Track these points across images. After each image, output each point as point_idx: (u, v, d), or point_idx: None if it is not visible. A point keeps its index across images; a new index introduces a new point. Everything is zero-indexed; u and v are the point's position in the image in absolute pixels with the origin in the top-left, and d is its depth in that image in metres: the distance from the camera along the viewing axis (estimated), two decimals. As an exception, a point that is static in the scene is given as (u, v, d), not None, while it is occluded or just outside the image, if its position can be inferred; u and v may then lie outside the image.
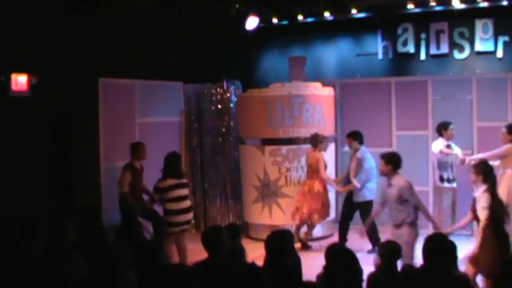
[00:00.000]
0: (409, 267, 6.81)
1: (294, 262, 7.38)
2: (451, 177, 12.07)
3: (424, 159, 13.83)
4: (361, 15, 14.55)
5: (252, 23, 14.32)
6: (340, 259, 6.54)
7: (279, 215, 13.31)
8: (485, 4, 13.62)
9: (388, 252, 7.07)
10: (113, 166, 12.44)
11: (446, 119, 12.72)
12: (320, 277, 6.65)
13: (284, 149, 13.31)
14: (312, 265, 7.08)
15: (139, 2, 12.67)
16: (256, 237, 13.03)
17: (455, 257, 6.44)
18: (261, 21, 14.57)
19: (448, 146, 12.07)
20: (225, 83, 14.41)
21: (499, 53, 13.95)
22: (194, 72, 14.23)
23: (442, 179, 12.14)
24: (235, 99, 14.34)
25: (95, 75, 12.34)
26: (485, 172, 9.04)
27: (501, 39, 13.90)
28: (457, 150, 12.11)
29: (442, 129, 12.14)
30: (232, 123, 14.37)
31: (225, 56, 14.80)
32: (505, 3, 13.46)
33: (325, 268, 6.57)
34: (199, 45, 14.28)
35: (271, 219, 13.33)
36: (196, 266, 6.73)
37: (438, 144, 12.18)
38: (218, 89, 14.40)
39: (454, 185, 12.12)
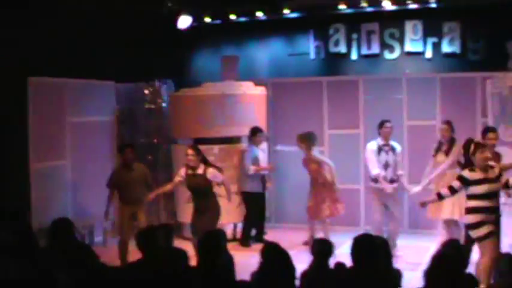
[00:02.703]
0: (341, 266, 6.86)
1: (227, 261, 7.39)
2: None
3: (355, 158, 13.99)
4: (294, 15, 14.65)
5: (184, 22, 14.30)
6: (274, 257, 6.57)
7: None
8: (415, 6, 13.85)
9: (320, 250, 7.12)
10: (43, 167, 12.28)
11: (377, 118, 12.86)
12: (254, 275, 6.68)
13: (216, 148, 13.31)
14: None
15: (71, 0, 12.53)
16: (190, 237, 12.98)
17: (387, 255, 6.53)
18: (193, 21, 14.55)
19: (385, 146, 11.97)
20: (157, 83, 14.34)
21: (428, 54, 14.23)
22: (127, 71, 14.10)
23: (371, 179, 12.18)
24: (168, 98, 14.28)
25: (25, 74, 12.14)
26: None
27: (430, 40, 14.18)
28: (396, 146, 12.04)
29: (378, 128, 12.12)
30: (164, 123, 14.31)
31: (158, 55, 14.72)
32: (433, 5, 13.70)
33: (260, 266, 6.59)
34: (132, 44, 14.16)
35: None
36: (130, 266, 6.69)
37: (371, 145, 12.11)
38: (150, 89, 14.33)
39: (389, 184, 11.95)
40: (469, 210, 9.26)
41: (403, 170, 12.11)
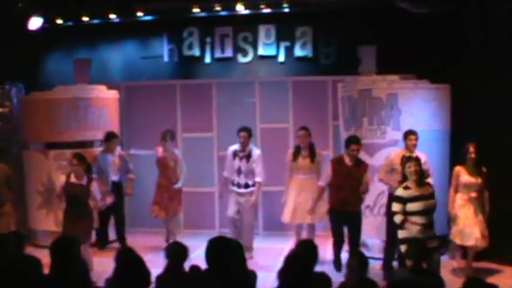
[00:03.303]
0: (196, 269, 6.87)
1: (81, 268, 7.26)
2: (235, 182, 12.03)
3: (209, 161, 14.08)
4: (147, 18, 14.53)
5: (35, 23, 13.94)
6: (127, 262, 6.52)
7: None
8: (268, 10, 14.04)
9: (174, 253, 7.11)
10: None
11: (230, 121, 13.03)
12: (108, 281, 6.60)
13: (69, 153, 13.05)
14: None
15: None
16: (42, 245, 12.64)
17: (242, 257, 6.58)
18: (45, 22, 14.20)
19: (241, 152, 11.94)
20: (6, 85, 13.94)
21: (281, 58, 14.47)
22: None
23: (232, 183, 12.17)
24: (17, 102, 13.91)
25: None
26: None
27: (283, 45, 14.42)
28: (254, 153, 11.93)
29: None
30: (15, 127, 13.91)
31: (8, 57, 14.27)
32: (286, 10, 13.93)
33: (113, 272, 6.52)
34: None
35: (57, 225, 13.01)
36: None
37: (230, 149, 12.13)
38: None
39: (241, 190, 11.97)
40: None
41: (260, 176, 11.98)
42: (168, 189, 12.67)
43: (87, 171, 10.71)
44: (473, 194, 10.43)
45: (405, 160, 9.63)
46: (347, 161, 10.75)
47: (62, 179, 10.84)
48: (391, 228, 9.96)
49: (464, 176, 10.45)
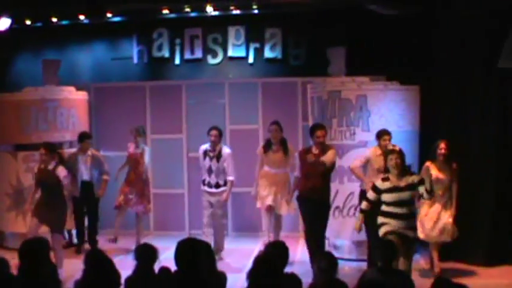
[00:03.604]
0: (165, 270, 6.86)
1: (50, 271, 7.23)
2: (206, 181, 12.03)
3: (179, 162, 14.06)
4: (117, 19, 14.48)
5: (3, 23, 13.82)
6: (96, 264, 6.51)
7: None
8: (237, 12, 14.05)
9: (144, 255, 7.09)
10: None
11: (200, 122, 13.02)
12: (78, 283, 6.58)
13: (38, 154, 12.97)
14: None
15: None
16: (11, 247, 12.56)
17: (211, 258, 6.58)
18: (13, 23, 14.09)
19: (211, 151, 11.94)
20: (-26, 87, 13.85)
21: (251, 59, 14.50)
22: None
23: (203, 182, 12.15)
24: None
25: None
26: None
27: (252, 46, 14.46)
28: (224, 152, 11.93)
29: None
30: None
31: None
32: (256, 11, 13.96)
33: (82, 274, 6.50)
34: None
35: (25, 227, 12.92)
36: None
37: (202, 147, 12.09)
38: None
39: (212, 189, 11.94)
40: (380, 213, 9.43)
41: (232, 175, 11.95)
42: (136, 184, 12.61)
43: (55, 159, 10.85)
44: (440, 192, 10.50)
45: (388, 152, 9.74)
46: (313, 149, 10.60)
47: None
48: (370, 227, 10.03)
49: (433, 171, 10.53)
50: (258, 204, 11.93)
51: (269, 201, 11.68)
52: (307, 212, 10.70)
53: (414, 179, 9.42)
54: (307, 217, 10.73)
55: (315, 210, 10.60)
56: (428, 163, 10.65)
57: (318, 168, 10.48)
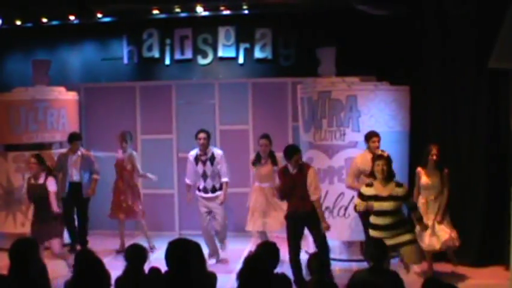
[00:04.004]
0: (155, 271, 6.85)
1: (39, 270, 7.22)
2: (201, 187, 11.93)
3: (169, 163, 14.06)
4: (107, 19, 14.47)
5: (-7, 24, 13.82)
6: (86, 265, 6.50)
7: (24, 223, 12.92)
8: (227, 12, 14.05)
9: (134, 255, 7.08)
10: None
11: (190, 123, 13.02)
12: (68, 283, 6.57)
13: (28, 154, 12.96)
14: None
15: None
16: (1, 247, 12.54)
17: (201, 259, 6.57)
18: (3, 23, 14.07)
19: (202, 156, 11.90)
20: (-36, 87, 13.82)
21: (241, 59, 14.50)
22: None
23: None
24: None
25: None
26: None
27: (242, 46, 14.46)
28: (216, 155, 11.80)
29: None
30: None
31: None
32: (246, 11, 13.96)
33: (73, 274, 6.50)
34: None
35: (15, 227, 12.92)
36: None
37: (191, 153, 12.02)
38: (-43, 93, 13.78)
39: (209, 194, 11.83)
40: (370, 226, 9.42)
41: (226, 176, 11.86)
42: (125, 191, 12.63)
43: (45, 171, 10.66)
44: (432, 197, 10.45)
45: (376, 157, 9.63)
46: (291, 169, 10.27)
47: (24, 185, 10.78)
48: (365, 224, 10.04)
49: (423, 177, 10.51)
50: (249, 227, 11.84)
51: (259, 227, 11.65)
52: (297, 230, 10.43)
53: (398, 191, 9.22)
54: (295, 235, 10.42)
55: (308, 223, 10.34)
56: (419, 169, 10.60)
57: (298, 189, 10.19)
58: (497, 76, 10.99)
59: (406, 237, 9.24)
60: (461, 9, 11.29)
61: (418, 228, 10.01)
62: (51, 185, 10.57)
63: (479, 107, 11.39)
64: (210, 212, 11.89)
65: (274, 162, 11.60)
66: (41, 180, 10.57)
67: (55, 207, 10.52)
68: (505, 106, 11.02)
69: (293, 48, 14.38)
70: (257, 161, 11.72)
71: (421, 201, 10.47)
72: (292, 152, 10.31)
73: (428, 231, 10.27)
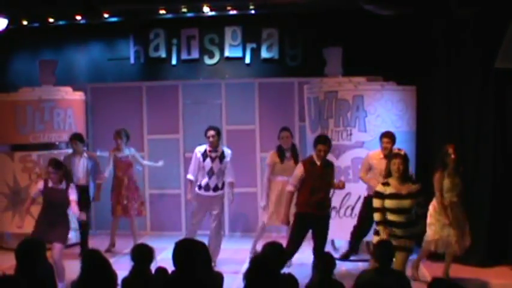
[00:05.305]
0: (162, 271, 6.86)
1: (46, 270, 7.23)
2: (203, 184, 11.80)
3: (175, 162, 14.07)
4: (114, 19, 14.46)
5: (0, 24, 13.82)
6: (93, 265, 6.51)
7: (31, 223, 12.90)
8: (234, 12, 14.04)
9: (140, 255, 7.08)
10: None
11: (196, 123, 13.03)
12: (75, 283, 6.58)
13: (35, 154, 13.02)
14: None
15: None
16: (7, 247, 12.56)
17: (207, 259, 6.58)
18: (10, 23, 14.09)
19: (212, 152, 11.62)
20: (-29, 87, 13.84)
21: (247, 59, 14.46)
22: None
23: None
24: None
25: None
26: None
27: (249, 46, 14.42)
28: (226, 154, 11.68)
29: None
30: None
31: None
32: (252, 11, 13.95)
33: (80, 274, 6.50)
34: None
35: (22, 227, 12.90)
36: None
37: (198, 149, 11.91)
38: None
39: (210, 193, 11.57)
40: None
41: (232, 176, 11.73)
42: (121, 189, 12.60)
43: (64, 176, 10.38)
44: (455, 199, 10.33)
45: (392, 156, 9.50)
46: (317, 161, 10.15)
47: (39, 185, 10.53)
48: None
49: (445, 180, 10.32)
50: (266, 220, 11.79)
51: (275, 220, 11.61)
52: (305, 232, 10.36)
53: (414, 188, 9.21)
54: (300, 238, 10.29)
55: (318, 226, 10.25)
56: (438, 174, 10.37)
57: (324, 183, 10.21)
58: (504, 76, 10.98)
59: (406, 242, 9.20)
60: (468, 9, 11.27)
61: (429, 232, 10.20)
62: (73, 194, 10.31)
63: (485, 107, 11.39)
64: (204, 215, 11.71)
65: (296, 157, 11.59)
66: (61, 186, 10.29)
67: (81, 215, 10.44)
68: (511, 106, 11.01)
69: (300, 48, 14.35)
70: (283, 155, 11.68)
71: (443, 205, 10.32)
72: (316, 140, 10.31)
73: (456, 236, 10.25)
